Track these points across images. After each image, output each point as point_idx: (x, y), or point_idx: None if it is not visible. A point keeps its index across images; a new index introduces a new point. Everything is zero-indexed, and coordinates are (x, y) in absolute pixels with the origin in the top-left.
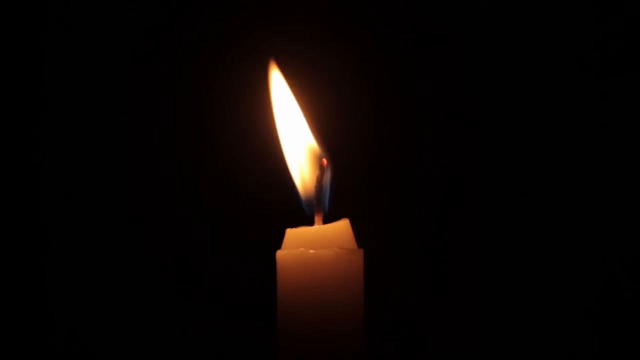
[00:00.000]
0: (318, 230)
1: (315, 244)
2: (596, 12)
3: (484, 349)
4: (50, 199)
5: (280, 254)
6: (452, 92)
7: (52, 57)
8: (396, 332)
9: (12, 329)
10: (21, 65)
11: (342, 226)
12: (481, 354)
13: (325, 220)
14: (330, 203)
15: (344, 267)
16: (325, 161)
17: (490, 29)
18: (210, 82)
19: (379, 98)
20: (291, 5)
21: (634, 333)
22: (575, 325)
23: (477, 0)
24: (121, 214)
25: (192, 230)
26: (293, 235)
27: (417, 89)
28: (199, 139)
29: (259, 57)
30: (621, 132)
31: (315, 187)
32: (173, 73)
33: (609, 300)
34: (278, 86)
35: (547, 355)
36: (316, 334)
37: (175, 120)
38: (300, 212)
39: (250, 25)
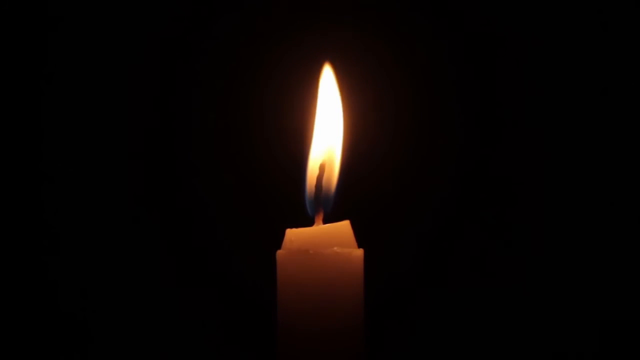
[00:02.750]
0: (318, 230)
1: (315, 244)
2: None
3: (484, 350)
4: (53, 196)
5: (280, 254)
6: (452, 93)
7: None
8: (396, 332)
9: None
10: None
11: (342, 226)
12: (481, 354)
13: (326, 221)
14: (333, 205)
15: (344, 267)
16: (323, 164)
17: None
18: (217, 78)
19: (380, 99)
20: None
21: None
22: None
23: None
24: (121, 214)
25: (192, 230)
26: (293, 235)
27: (418, 90)
28: (200, 138)
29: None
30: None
31: (315, 188)
32: (186, 65)
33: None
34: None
35: (545, 355)
36: (316, 333)
37: (176, 119)
38: (300, 212)
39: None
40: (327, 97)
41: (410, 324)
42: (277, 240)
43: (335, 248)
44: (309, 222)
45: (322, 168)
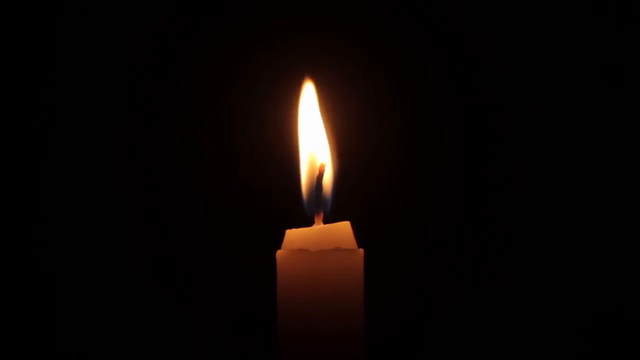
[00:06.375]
0: (318, 230)
1: (315, 244)
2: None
3: (483, 350)
4: (51, 197)
5: (280, 254)
6: (451, 94)
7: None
8: (396, 332)
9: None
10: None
11: (342, 226)
12: (482, 354)
13: (326, 221)
14: (332, 205)
15: (344, 267)
16: (323, 164)
17: (502, 31)
18: (218, 81)
19: (380, 100)
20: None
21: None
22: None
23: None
24: (121, 214)
25: (193, 230)
26: (293, 235)
27: (417, 91)
28: (200, 138)
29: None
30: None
31: (315, 187)
32: (183, 70)
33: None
34: (307, 97)
35: (544, 355)
36: (316, 333)
37: (177, 120)
38: (300, 212)
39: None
40: (308, 106)
41: (410, 323)
42: (277, 240)
43: (335, 248)
44: (309, 222)
45: (322, 168)
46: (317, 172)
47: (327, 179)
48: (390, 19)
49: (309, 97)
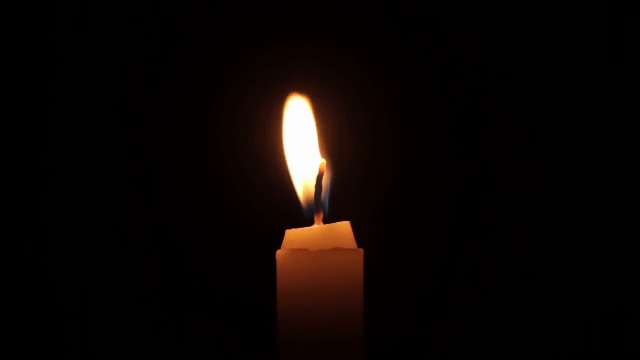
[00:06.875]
0: (318, 230)
1: (315, 244)
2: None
3: (483, 350)
4: (51, 199)
5: (280, 254)
6: (450, 95)
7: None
8: (396, 332)
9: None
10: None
11: (343, 227)
12: (482, 354)
13: (326, 221)
14: (330, 206)
15: (344, 267)
16: (324, 164)
17: (503, 31)
18: (215, 83)
19: (380, 101)
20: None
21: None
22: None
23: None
24: (121, 214)
25: (193, 230)
26: (293, 235)
27: (416, 92)
28: (201, 138)
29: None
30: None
31: (315, 188)
32: (179, 70)
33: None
34: (295, 104)
35: (544, 356)
36: (316, 334)
37: (177, 120)
38: (300, 212)
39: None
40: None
41: (410, 323)
42: (277, 240)
43: (335, 248)
44: (309, 222)
45: (322, 169)
46: (316, 173)
47: (326, 180)
48: (379, 18)
49: (299, 102)
